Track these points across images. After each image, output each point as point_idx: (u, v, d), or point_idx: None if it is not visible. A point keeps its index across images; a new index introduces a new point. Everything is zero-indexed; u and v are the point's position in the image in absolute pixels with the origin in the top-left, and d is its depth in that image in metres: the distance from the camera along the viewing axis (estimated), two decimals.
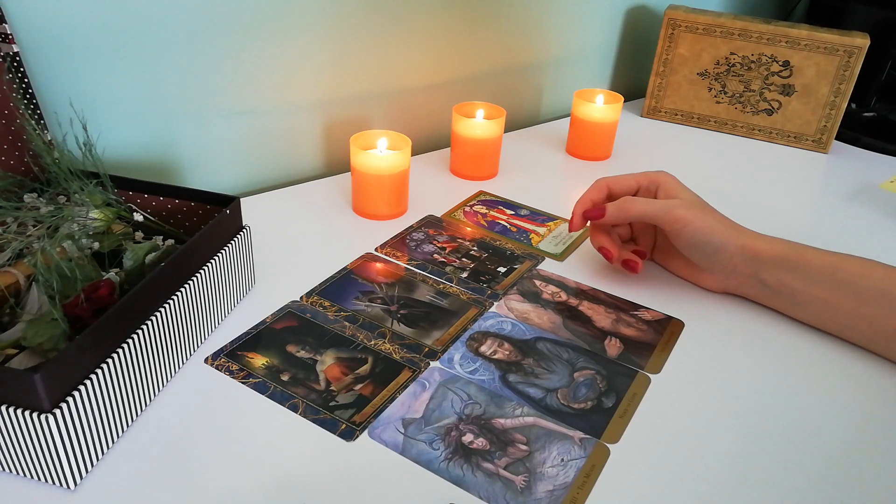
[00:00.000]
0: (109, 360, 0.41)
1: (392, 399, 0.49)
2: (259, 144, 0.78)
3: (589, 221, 0.63)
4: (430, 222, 0.73)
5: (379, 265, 0.64)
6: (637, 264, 0.62)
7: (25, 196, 0.54)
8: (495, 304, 0.60)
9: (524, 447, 0.46)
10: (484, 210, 0.76)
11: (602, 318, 0.60)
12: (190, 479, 0.42)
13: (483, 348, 0.55)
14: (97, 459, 0.42)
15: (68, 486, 0.40)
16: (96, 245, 0.51)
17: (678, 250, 0.62)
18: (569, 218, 0.75)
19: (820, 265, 0.56)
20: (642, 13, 1.15)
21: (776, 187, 0.88)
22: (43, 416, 0.37)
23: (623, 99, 0.91)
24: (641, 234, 0.68)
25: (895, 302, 0.53)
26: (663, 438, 0.48)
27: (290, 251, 0.65)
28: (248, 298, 0.58)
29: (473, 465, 0.44)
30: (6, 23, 0.53)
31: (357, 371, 0.51)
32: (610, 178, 0.63)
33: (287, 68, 0.76)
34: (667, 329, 0.59)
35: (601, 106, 0.89)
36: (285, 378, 0.50)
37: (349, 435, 0.46)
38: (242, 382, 0.49)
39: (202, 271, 0.50)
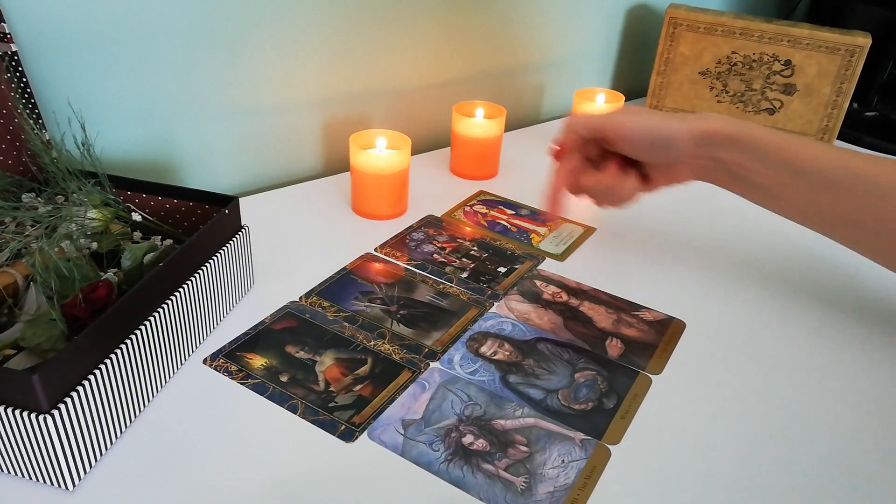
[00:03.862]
0: (108, 361, 0.41)
1: (392, 400, 0.49)
2: (258, 144, 0.77)
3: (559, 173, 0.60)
4: (429, 222, 0.72)
5: (378, 265, 0.64)
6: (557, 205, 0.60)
7: (24, 196, 0.53)
8: (495, 304, 0.60)
9: (524, 448, 0.45)
10: (484, 210, 0.76)
11: (603, 318, 0.59)
12: (188, 480, 0.42)
13: (483, 349, 0.54)
14: (96, 460, 0.42)
15: (67, 487, 0.40)
16: (94, 245, 0.51)
17: (649, 166, 0.60)
18: (570, 218, 0.75)
19: (772, 147, 0.55)
20: (643, 12, 1.15)
21: None
22: (41, 417, 0.36)
23: (624, 98, 0.90)
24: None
25: (840, 189, 0.53)
26: (664, 439, 0.47)
27: (290, 251, 0.65)
28: (246, 299, 0.58)
29: (473, 466, 0.44)
30: (5, 22, 0.53)
31: (356, 372, 0.51)
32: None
33: (287, 68, 0.75)
34: (668, 329, 0.58)
35: (602, 105, 0.88)
36: (284, 379, 0.50)
37: (348, 436, 0.45)
38: (241, 383, 0.49)
39: (201, 271, 0.50)
